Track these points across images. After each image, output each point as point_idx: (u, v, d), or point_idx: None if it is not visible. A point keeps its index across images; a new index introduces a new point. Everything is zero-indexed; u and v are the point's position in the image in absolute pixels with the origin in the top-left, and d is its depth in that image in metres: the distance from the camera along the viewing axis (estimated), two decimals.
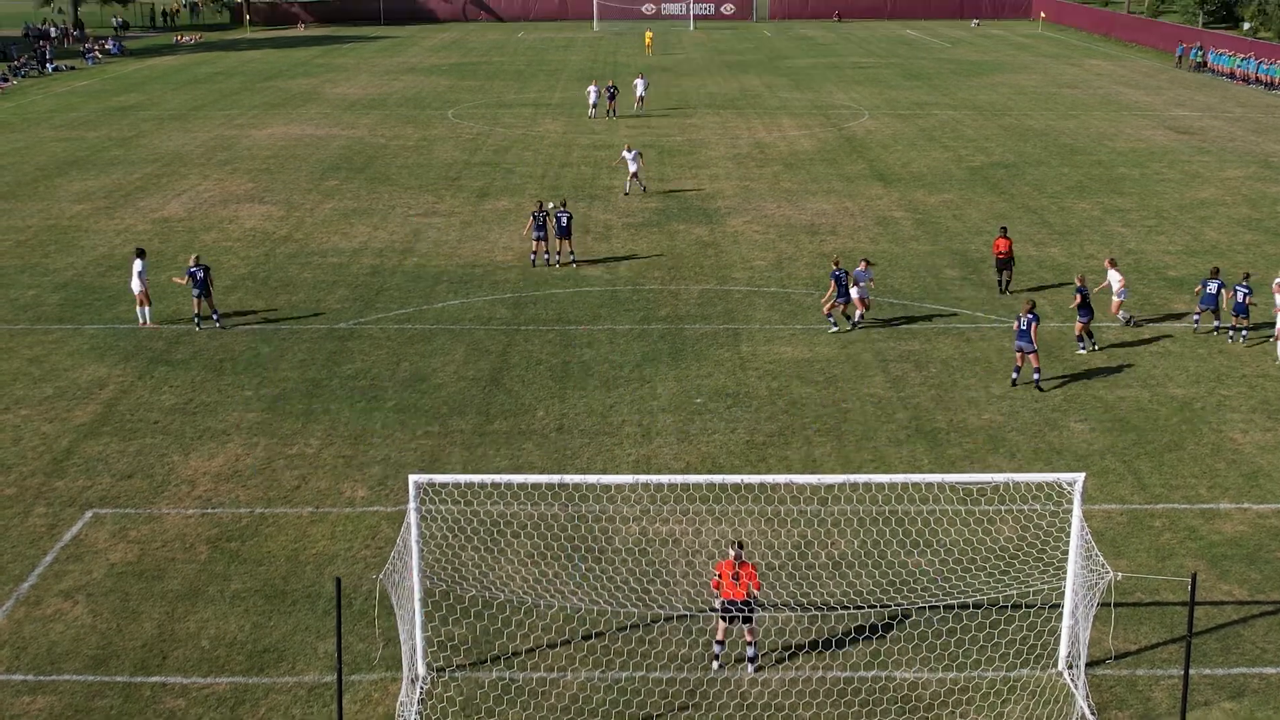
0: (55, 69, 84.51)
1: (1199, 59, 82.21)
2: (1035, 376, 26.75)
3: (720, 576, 16.87)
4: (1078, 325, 29.11)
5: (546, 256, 36.15)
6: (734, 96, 70.61)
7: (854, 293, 30.46)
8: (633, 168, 45.01)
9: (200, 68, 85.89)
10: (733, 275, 35.28)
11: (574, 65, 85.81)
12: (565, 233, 35.65)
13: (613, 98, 62.56)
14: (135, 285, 30.73)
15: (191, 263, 30.51)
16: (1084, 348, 29.21)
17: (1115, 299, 30.49)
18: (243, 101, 69.14)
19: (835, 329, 30.24)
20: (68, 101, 70.05)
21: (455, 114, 64.26)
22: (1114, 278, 30.63)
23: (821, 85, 75.08)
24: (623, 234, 39.88)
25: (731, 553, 16.89)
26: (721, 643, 17.14)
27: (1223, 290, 29.75)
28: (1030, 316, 26.54)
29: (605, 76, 74.76)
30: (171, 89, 74.74)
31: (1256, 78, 75.12)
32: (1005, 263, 33.11)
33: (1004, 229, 33.62)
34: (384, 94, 71.63)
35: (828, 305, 30.28)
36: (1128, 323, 30.79)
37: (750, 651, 17.15)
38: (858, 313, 30.68)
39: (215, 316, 30.75)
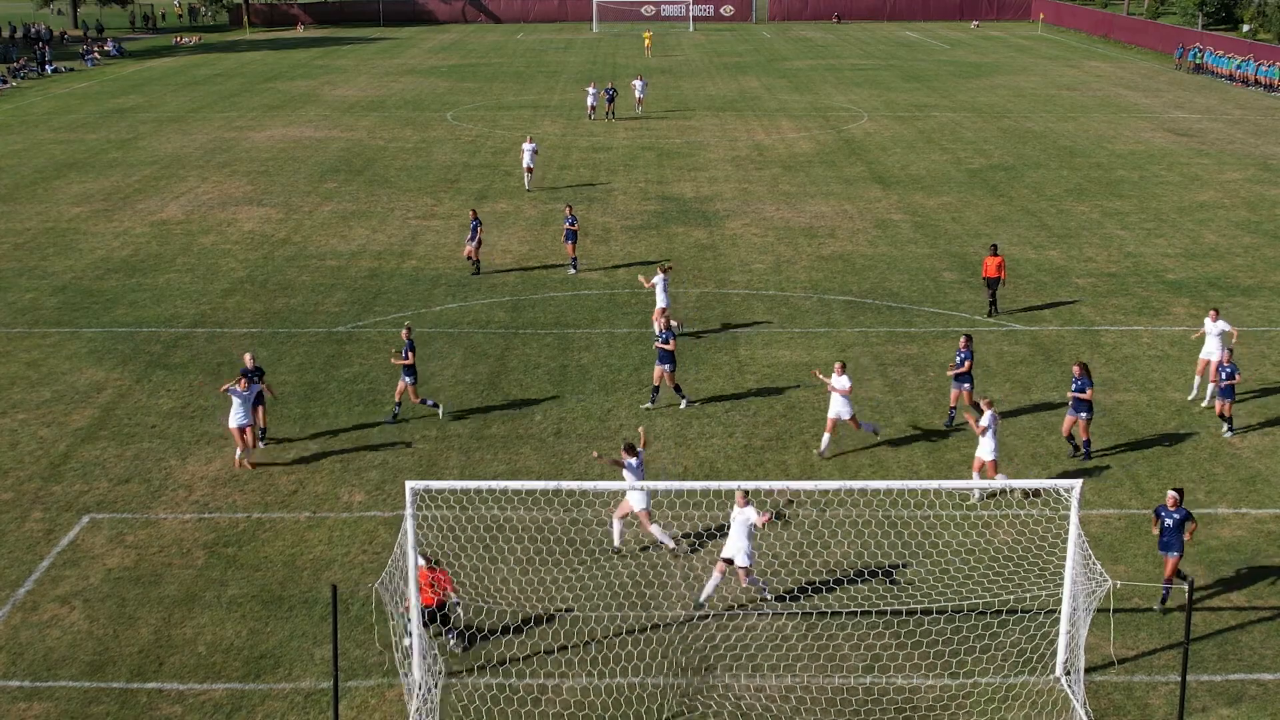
0: (54, 70, 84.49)
1: (1198, 60, 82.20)
2: (1164, 590, 18.85)
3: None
4: None
5: (472, 259, 35.61)
6: (733, 98, 70.58)
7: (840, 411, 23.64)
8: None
9: (199, 69, 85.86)
10: (731, 278, 35.25)
11: (573, 67, 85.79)
12: (571, 237, 35.63)
13: (611, 99, 62.56)
14: (236, 418, 22.97)
15: (248, 362, 24.12)
16: None
17: (659, 307, 29.26)
18: (242, 103, 69.11)
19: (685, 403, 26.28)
20: (66, 103, 70.02)
21: (454, 116, 64.24)
22: (659, 281, 29.81)
23: (820, 87, 75.05)
24: (621, 237, 39.85)
25: (422, 562, 17.29)
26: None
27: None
28: (1179, 513, 18.52)
29: (604, 78, 74.79)
30: (171, 91, 74.72)
31: (1255, 79, 75.13)
32: (993, 282, 31.42)
33: (994, 247, 31.72)
34: (383, 96, 71.61)
35: (666, 379, 26.14)
36: (677, 329, 26.76)
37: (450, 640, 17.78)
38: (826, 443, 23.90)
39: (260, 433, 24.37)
